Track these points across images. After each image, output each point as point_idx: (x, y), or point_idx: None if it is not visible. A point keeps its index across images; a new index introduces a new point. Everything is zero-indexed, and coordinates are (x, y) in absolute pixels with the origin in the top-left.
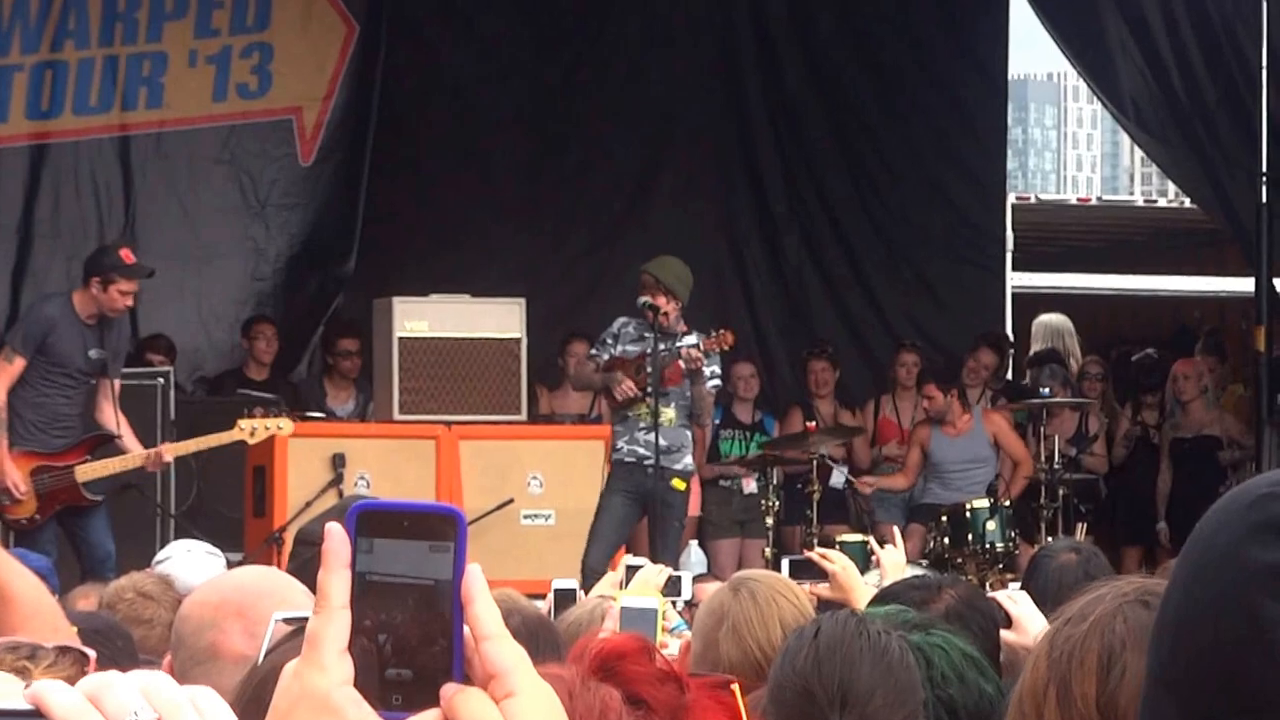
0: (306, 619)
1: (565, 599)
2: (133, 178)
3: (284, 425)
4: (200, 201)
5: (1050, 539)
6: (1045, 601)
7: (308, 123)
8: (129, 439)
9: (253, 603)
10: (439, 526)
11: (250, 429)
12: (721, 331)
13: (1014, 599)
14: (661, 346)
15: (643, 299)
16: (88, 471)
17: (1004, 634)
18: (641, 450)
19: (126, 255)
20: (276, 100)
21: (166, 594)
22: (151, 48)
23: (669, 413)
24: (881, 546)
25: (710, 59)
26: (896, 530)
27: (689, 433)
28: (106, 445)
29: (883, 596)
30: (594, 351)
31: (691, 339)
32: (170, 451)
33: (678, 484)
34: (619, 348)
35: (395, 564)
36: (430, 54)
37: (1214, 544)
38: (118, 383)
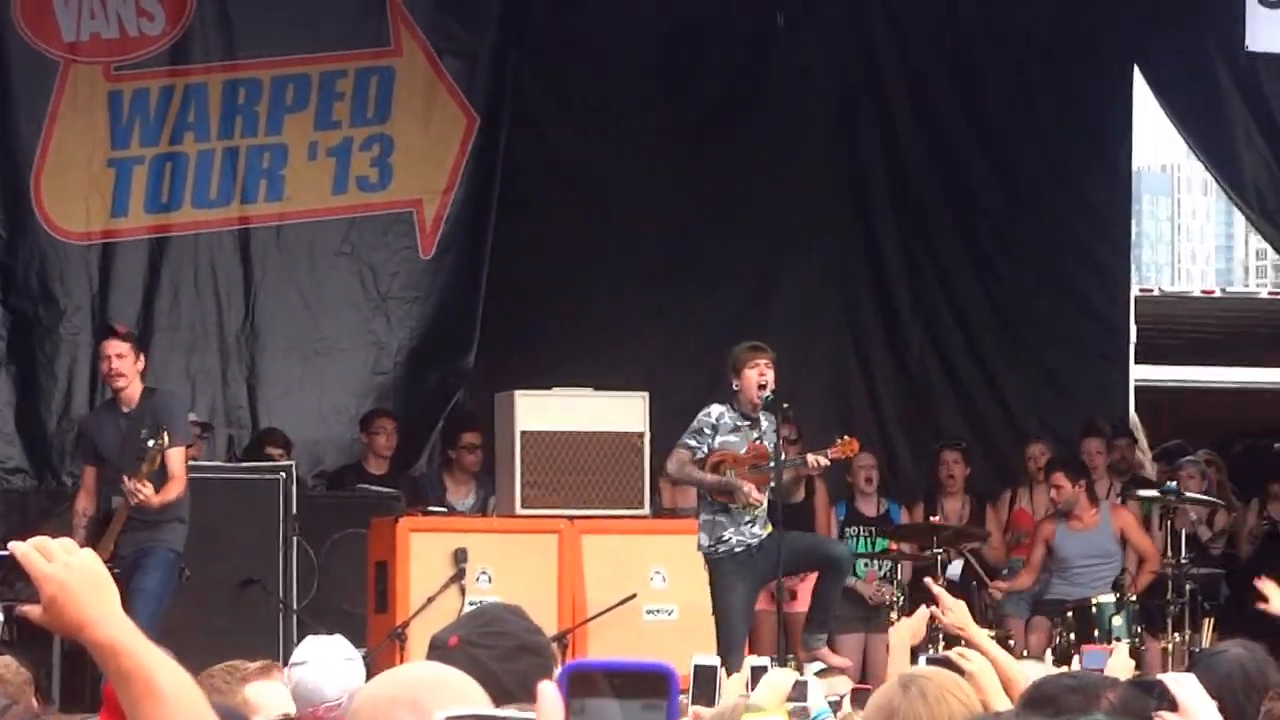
0: (475, 715)
1: (705, 675)
2: (253, 270)
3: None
4: (321, 294)
5: (1177, 635)
6: (1231, 692)
7: (428, 215)
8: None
9: (426, 697)
10: (651, 684)
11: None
12: (847, 439)
13: (1180, 682)
14: (754, 435)
15: (768, 392)
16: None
17: (1166, 716)
18: (750, 541)
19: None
20: (397, 193)
21: (17, 675)
22: (272, 140)
23: (764, 499)
24: (1008, 641)
25: (836, 156)
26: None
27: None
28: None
29: (1039, 699)
30: (693, 444)
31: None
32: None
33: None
34: (717, 439)
35: None
36: (553, 146)
37: None
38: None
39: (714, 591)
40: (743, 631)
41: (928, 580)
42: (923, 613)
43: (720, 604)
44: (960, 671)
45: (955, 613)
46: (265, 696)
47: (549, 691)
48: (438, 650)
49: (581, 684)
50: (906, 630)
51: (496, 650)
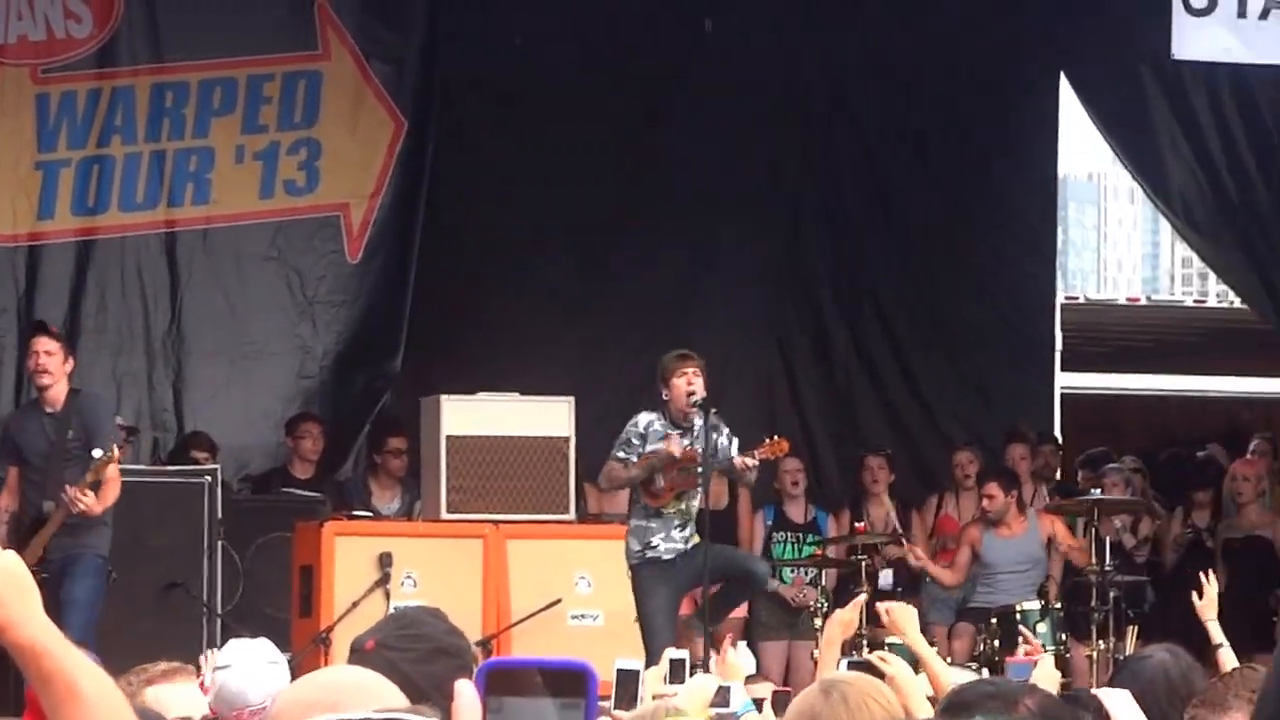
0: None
1: (628, 679)
2: (179, 274)
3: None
4: (247, 298)
5: (1101, 642)
6: (1155, 700)
7: (355, 220)
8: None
9: (345, 700)
10: (569, 683)
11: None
12: (776, 439)
13: (1113, 696)
14: (686, 442)
15: (696, 396)
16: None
17: None
18: (680, 546)
19: None
20: (324, 197)
21: None
22: (198, 143)
23: (694, 505)
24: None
25: (761, 162)
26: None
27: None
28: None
29: (957, 705)
30: (623, 456)
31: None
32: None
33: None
34: (646, 447)
35: None
36: (480, 153)
37: None
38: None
39: (636, 598)
40: (667, 636)
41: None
42: (858, 601)
43: (643, 610)
44: (881, 676)
45: (893, 615)
46: (167, 700)
47: (466, 690)
48: (356, 654)
49: (499, 682)
50: (838, 626)
51: (412, 653)
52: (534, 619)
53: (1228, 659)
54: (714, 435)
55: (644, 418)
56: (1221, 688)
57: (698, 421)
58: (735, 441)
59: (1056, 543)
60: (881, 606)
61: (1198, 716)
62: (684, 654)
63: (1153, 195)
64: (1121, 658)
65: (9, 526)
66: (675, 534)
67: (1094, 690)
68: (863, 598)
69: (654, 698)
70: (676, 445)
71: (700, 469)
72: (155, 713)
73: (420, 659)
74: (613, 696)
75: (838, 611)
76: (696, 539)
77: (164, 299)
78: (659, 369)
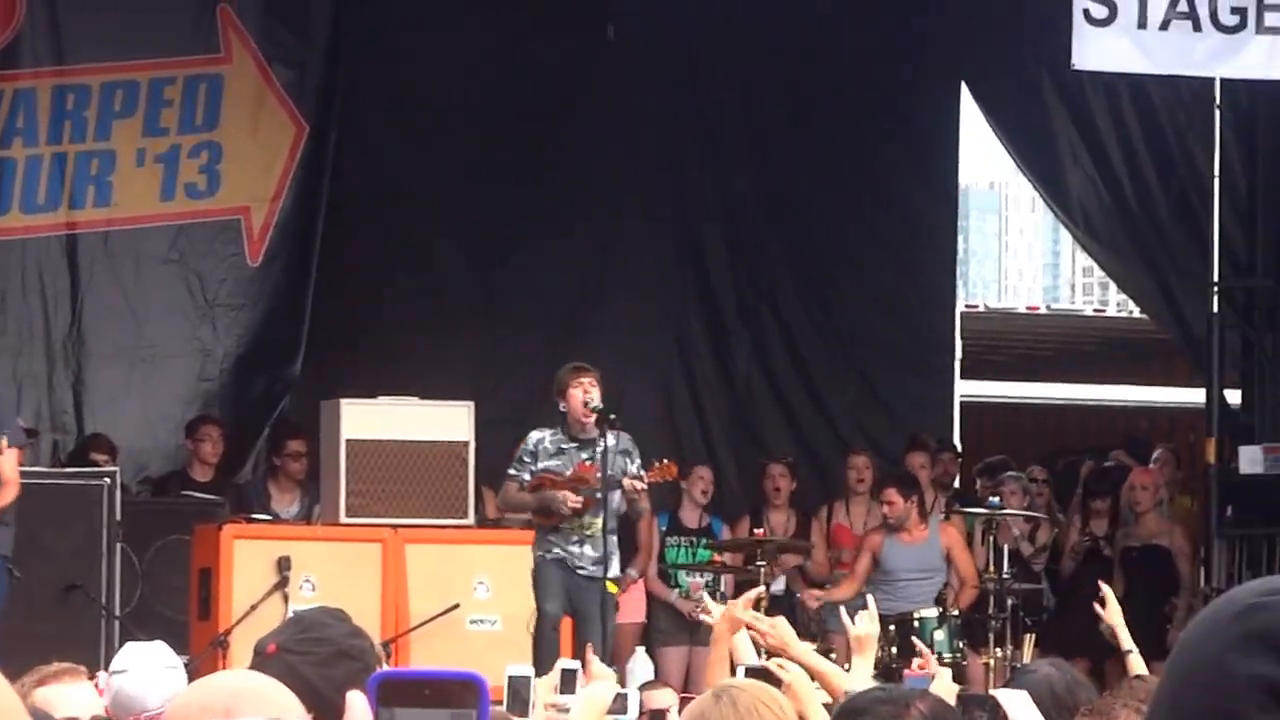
0: None
1: (519, 685)
2: (80, 276)
3: None
4: (147, 301)
5: (998, 650)
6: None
7: (256, 223)
8: None
9: (239, 705)
10: (460, 694)
11: None
12: (666, 462)
13: (1012, 698)
14: (583, 455)
15: (596, 403)
16: None
17: None
18: (574, 560)
19: None
20: (225, 200)
21: None
22: (100, 146)
23: (597, 523)
24: (830, 655)
25: (662, 165)
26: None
27: (615, 538)
28: None
29: (850, 711)
30: (514, 473)
31: (613, 441)
32: None
33: (611, 587)
34: (538, 465)
35: None
36: (380, 156)
37: (1201, 654)
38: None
39: (536, 594)
40: (553, 640)
41: (743, 601)
42: (750, 596)
43: (539, 606)
44: (778, 681)
45: (777, 631)
46: (56, 700)
47: (357, 701)
48: (258, 657)
49: (391, 693)
50: (726, 621)
51: (313, 657)
52: (432, 624)
53: (1137, 664)
54: (623, 459)
55: (534, 435)
56: (1110, 698)
57: (604, 441)
58: (644, 473)
59: (952, 556)
60: (764, 624)
61: None
62: (576, 664)
63: (1053, 204)
64: (1017, 666)
65: None
66: (574, 549)
67: (992, 691)
68: (755, 592)
69: (546, 707)
70: (572, 501)
71: (598, 489)
72: (44, 713)
73: (321, 662)
74: (505, 703)
75: (729, 604)
76: (612, 586)
77: (64, 301)
78: (555, 383)
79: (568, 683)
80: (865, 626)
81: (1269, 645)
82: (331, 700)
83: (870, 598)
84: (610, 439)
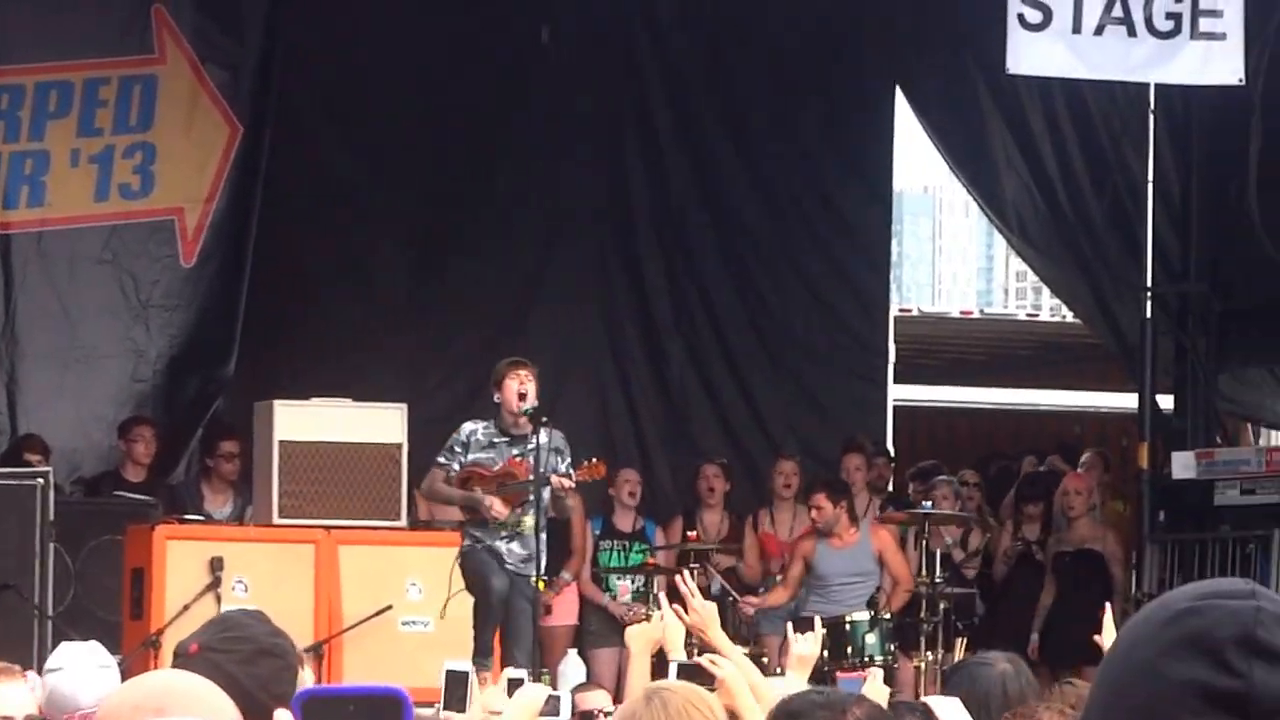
0: None
1: (457, 680)
2: (13, 276)
3: None
4: (81, 301)
5: (929, 653)
6: (986, 709)
7: (189, 224)
8: None
9: (172, 705)
10: (384, 709)
11: None
12: (594, 461)
13: (944, 704)
14: (514, 451)
15: (528, 400)
16: None
17: None
18: (503, 556)
19: None
20: (159, 201)
21: None
22: (34, 146)
23: (528, 521)
24: (762, 659)
25: (598, 171)
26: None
27: (545, 536)
28: None
29: (786, 714)
30: (444, 462)
31: (545, 439)
32: None
33: (541, 585)
34: (468, 456)
35: None
36: (315, 158)
37: (1133, 658)
38: None
39: (471, 578)
40: (498, 617)
41: (679, 578)
42: (668, 620)
43: (483, 585)
44: (711, 678)
45: (700, 614)
46: None
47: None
48: (181, 659)
49: (316, 710)
50: (643, 636)
51: (237, 655)
52: (365, 625)
53: None
54: (554, 457)
55: (467, 426)
56: (1035, 701)
57: (536, 439)
58: (573, 471)
59: (885, 559)
60: (695, 601)
61: None
62: (522, 673)
63: (987, 209)
64: (948, 669)
65: None
66: (501, 545)
67: (924, 698)
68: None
69: (483, 710)
70: (496, 510)
71: (522, 483)
72: None
73: (246, 660)
74: (442, 698)
75: (641, 625)
76: (542, 585)
77: None
78: (492, 376)
79: (513, 692)
80: (808, 647)
81: (1201, 649)
82: (258, 697)
83: (818, 618)
84: (543, 436)
